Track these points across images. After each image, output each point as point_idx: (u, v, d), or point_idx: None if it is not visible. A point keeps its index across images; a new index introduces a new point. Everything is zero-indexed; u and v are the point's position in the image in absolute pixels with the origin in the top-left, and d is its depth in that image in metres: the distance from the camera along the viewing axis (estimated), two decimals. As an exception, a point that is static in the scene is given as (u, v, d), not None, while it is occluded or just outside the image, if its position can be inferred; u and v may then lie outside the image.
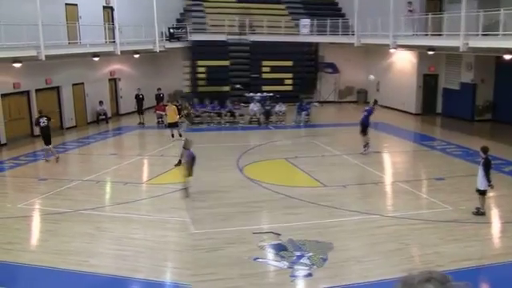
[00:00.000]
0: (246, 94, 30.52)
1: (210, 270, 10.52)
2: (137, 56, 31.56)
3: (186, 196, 15.27)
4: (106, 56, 28.71)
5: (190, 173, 15.33)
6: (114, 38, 28.50)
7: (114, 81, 32.39)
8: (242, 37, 34.78)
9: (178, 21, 35.92)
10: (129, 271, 10.60)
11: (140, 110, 29.64)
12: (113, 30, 28.50)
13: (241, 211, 14.27)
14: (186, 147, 15.86)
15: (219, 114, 28.96)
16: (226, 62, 34.18)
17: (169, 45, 32.74)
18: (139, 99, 29.63)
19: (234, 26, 34.81)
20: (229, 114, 28.96)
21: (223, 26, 34.70)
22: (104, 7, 30.36)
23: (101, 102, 29.67)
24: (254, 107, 28.98)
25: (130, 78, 32.79)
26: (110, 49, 28.11)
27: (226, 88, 33.21)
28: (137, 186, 17.27)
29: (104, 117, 30.02)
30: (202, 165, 16.31)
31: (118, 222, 13.67)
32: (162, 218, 14.00)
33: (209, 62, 34.02)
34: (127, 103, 31.83)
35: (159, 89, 31.06)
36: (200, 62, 33.95)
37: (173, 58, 33.87)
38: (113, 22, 28.81)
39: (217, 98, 29.55)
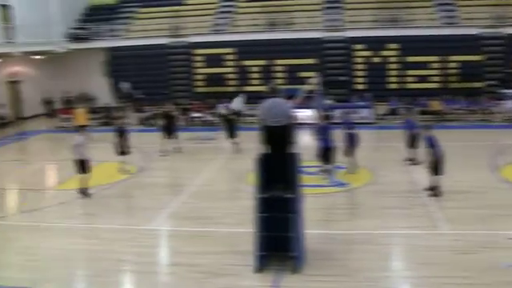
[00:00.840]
0: (501, 91, 28.81)
1: (465, 273, 10.19)
2: (39, 57, 31.32)
3: (436, 194, 14.98)
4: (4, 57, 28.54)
5: (439, 171, 14.89)
6: (10, 39, 27.92)
7: (15, 83, 31.98)
8: (497, 29, 32.70)
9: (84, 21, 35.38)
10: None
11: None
12: (9, 29, 28.04)
13: (495, 214, 13.50)
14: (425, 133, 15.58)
15: (471, 112, 27.86)
16: (478, 57, 32.58)
17: (73, 46, 32.38)
18: None
19: (487, 18, 32.94)
20: (482, 111, 27.69)
21: (474, 18, 33.09)
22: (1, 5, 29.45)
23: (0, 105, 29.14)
24: (510, 104, 27.27)
25: (35, 81, 32.58)
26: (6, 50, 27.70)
27: (479, 84, 31.67)
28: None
29: (4, 121, 29.29)
30: (453, 163, 15.78)
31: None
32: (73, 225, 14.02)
33: (459, 57, 32.80)
34: (32, 106, 31.83)
35: (67, 92, 31.09)
36: (451, 58, 32.86)
37: (82, 60, 33.67)
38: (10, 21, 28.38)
39: (469, 95, 28.45)
